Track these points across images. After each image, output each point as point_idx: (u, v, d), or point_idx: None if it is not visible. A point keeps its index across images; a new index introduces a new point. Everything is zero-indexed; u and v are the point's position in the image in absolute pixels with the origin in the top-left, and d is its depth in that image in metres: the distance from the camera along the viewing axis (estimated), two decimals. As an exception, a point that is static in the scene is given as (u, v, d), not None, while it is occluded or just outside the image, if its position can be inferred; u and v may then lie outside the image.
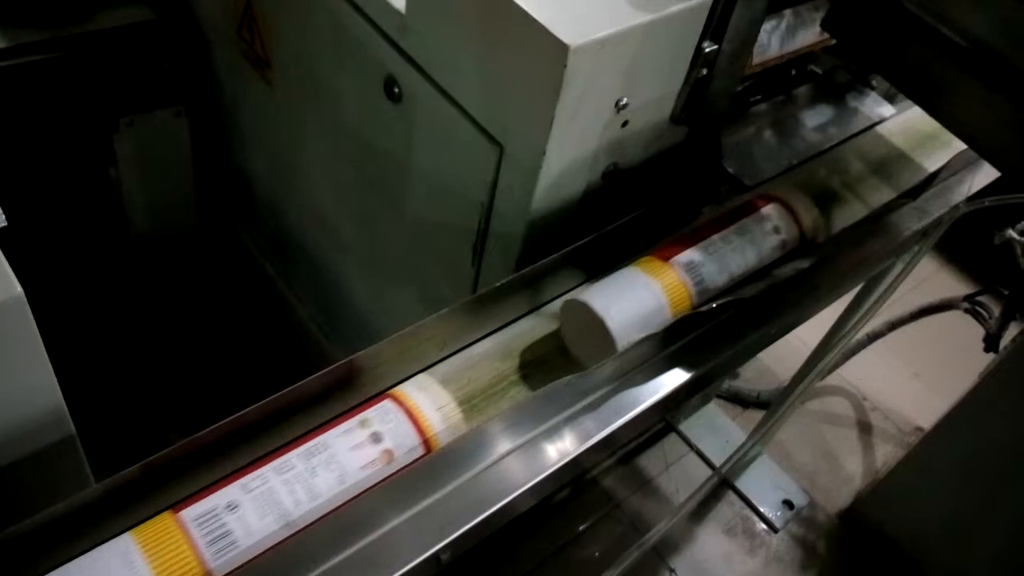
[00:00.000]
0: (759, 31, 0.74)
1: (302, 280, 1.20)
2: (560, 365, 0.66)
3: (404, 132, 0.80)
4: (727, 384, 1.56)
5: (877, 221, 0.83)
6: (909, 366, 1.65)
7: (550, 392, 0.60)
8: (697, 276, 0.65)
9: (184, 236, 1.31)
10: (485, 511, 0.58)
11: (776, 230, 0.70)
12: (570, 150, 0.67)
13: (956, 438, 1.29)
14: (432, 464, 0.55)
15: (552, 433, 0.62)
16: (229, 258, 1.34)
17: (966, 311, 1.39)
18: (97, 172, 1.20)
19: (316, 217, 1.08)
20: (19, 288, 0.46)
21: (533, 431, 0.61)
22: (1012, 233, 1.14)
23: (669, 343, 0.67)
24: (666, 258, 0.64)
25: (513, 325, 0.68)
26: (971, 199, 0.93)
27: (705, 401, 1.53)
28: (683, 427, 1.48)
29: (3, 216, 0.52)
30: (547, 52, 0.60)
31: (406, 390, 0.58)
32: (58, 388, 0.52)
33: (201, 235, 1.32)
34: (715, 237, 0.67)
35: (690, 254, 0.65)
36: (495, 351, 0.66)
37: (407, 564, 0.53)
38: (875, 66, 0.79)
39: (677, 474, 1.43)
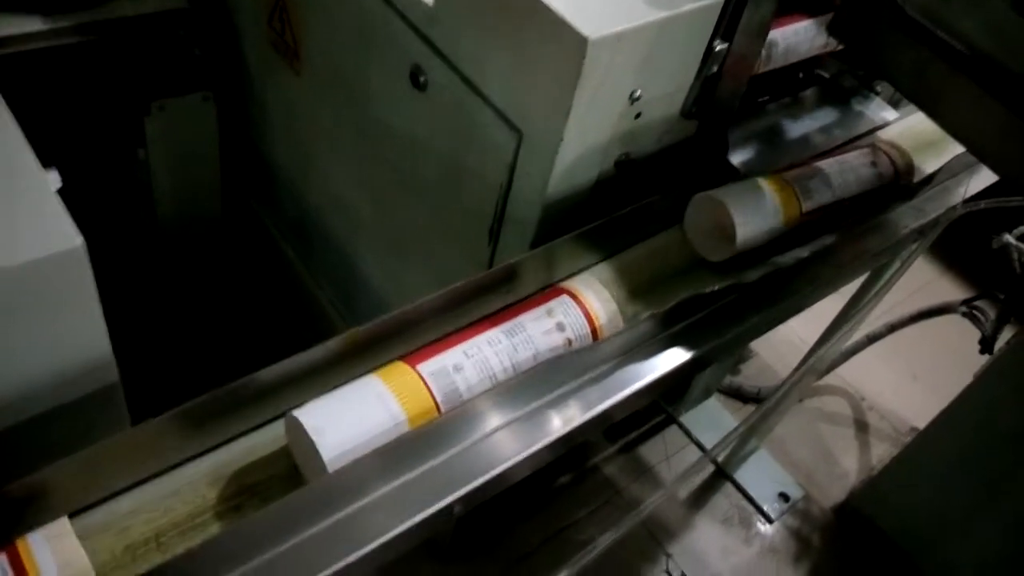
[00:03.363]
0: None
1: (321, 263, 1.25)
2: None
3: (428, 119, 0.84)
4: (728, 379, 1.59)
5: (876, 218, 0.87)
6: (908, 368, 1.69)
7: (556, 364, 0.64)
8: (449, 383, 0.59)
9: (208, 218, 1.35)
10: (492, 471, 0.61)
11: (560, 327, 0.65)
12: (586, 138, 0.71)
13: (949, 437, 1.32)
14: (441, 428, 0.59)
15: (558, 402, 0.65)
16: (250, 241, 1.38)
17: (964, 315, 1.43)
18: (127, 153, 1.24)
19: (337, 201, 1.12)
20: (80, 238, 0.50)
21: (541, 400, 0.64)
22: (1009, 238, 1.19)
23: (672, 324, 0.71)
24: (414, 363, 0.59)
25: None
26: (968, 201, 0.97)
27: (707, 395, 1.57)
28: (684, 419, 1.52)
29: (58, 177, 0.57)
30: (567, 44, 0.64)
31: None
32: (107, 336, 0.56)
33: (224, 218, 1.36)
34: (481, 337, 0.62)
35: (443, 358, 0.60)
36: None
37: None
38: (877, 69, 0.83)
39: (677, 464, 1.47)
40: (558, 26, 0.64)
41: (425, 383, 0.57)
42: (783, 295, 0.77)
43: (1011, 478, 1.24)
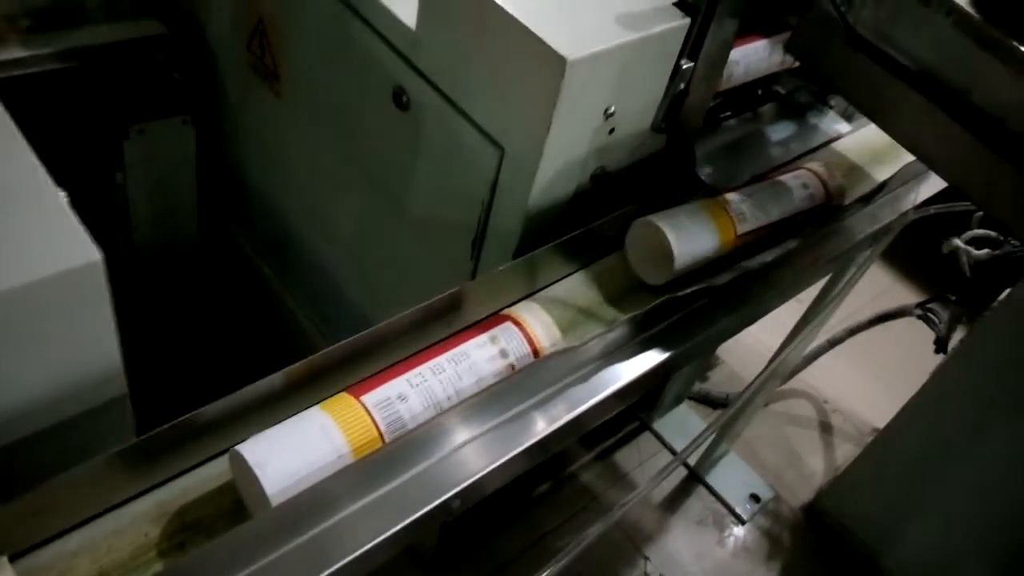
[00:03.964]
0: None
1: (299, 281, 1.27)
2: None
3: (411, 138, 0.87)
4: (698, 386, 1.64)
5: (832, 225, 0.92)
6: (868, 372, 1.76)
7: (542, 366, 0.67)
8: (393, 412, 0.60)
9: (184, 240, 1.37)
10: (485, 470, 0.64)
11: (503, 354, 0.67)
12: (564, 152, 0.76)
13: (907, 436, 1.38)
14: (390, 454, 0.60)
15: (543, 404, 0.68)
16: (227, 261, 1.40)
17: (919, 317, 1.50)
18: (105, 177, 1.26)
19: (317, 220, 1.15)
20: (99, 254, 0.53)
21: (525, 403, 0.67)
22: (958, 242, 1.25)
23: (647, 328, 0.75)
24: (358, 394, 0.59)
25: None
26: (919, 207, 1.03)
27: (678, 402, 1.61)
28: (656, 426, 1.57)
29: (66, 196, 0.59)
30: (547, 65, 0.68)
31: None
32: (119, 348, 0.59)
33: (200, 239, 1.38)
34: (424, 367, 0.63)
35: (387, 388, 0.61)
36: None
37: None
38: (832, 84, 0.88)
39: (651, 469, 1.51)
40: (538, 47, 0.68)
41: (369, 414, 0.58)
42: (750, 297, 0.82)
43: (967, 473, 1.30)
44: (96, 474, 0.52)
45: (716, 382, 1.67)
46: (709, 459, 1.53)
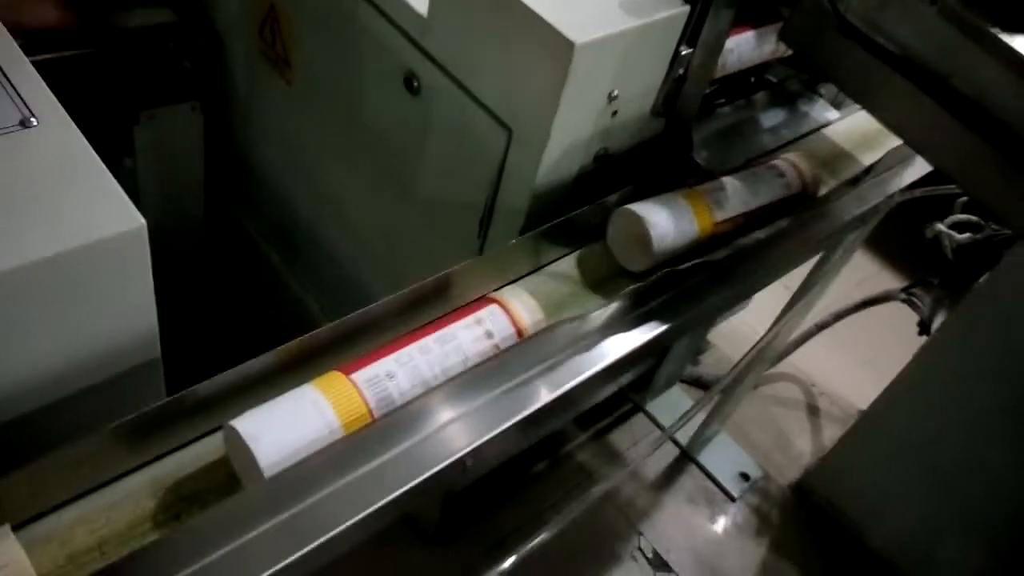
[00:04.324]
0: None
1: (307, 266, 1.30)
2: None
3: (421, 121, 0.91)
4: (689, 369, 1.69)
5: (821, 206, 0.97)
6: (855, 355, 1.81)
7: (544, 338, 0.71)
8: (382, 389, 0.62)
9: (191, 224, 1.40)
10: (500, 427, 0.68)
11: (488, 335, 0.70)
12: (569, 133, 0.80)
13: (890, 416, 1.43)
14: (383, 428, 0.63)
15: (547, 372, 0.71)
16: (233, 246, 1.43)
17: (903, 301, 1.55)
18: (114, 162, 1.28)
19: (325, 205, 1.19)
20: (142, 220, 0.56)
21: (530, 371, 0.70)
22: (940, 226, 1.30)
23: (645, 302, 0.79)
24: (348, 372, 0.61)
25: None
26: (904, 190, 1.08)
27: (670, 384, 1.66)
28: (650, 407, 1.61)
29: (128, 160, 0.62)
30: (555, 49, 0.72)
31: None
32: (155, 312, 0.62)
33: (207, 224, 1.41)
34: (411, 347, 0.65)
35: (377, 366, 0.63)
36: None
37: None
38: (824, 71, 0.92)
39: (644, 449, 1.56)
40: (547, 32, 0.72)
41: (359, 390, 0.60)
42: (743, 273, 0.86)
43: (950, 452, 1.35)
44: (94, 448, 0.54)
45: (708, 365, 1.72)
46: (700, 439, 1.57)
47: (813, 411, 1.73)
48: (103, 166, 0.59)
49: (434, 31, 0.84)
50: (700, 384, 1.69)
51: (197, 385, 0.57)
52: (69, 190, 0.57)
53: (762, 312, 1.43)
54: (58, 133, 0.60)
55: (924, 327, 1.47)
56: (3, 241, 0.53)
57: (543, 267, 0.81)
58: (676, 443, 1.60)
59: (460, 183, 0.90)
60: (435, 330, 0.67)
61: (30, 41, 1.08)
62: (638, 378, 1.58)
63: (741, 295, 0.89)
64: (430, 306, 0.72)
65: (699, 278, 0.83)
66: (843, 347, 1.77)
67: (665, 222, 0.78)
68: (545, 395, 0.69)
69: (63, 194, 0.57)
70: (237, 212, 1.40)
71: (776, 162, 0.91)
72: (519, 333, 0.70)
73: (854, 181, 0.99)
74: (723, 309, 0.90)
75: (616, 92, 0.80)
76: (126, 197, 0.57)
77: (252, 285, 1.45)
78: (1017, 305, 1.23)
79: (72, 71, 1.15)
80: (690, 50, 0.83)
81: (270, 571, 0.51)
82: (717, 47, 0.87)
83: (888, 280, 2.00)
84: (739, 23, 0.98)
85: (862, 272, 1.97)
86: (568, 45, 0.71)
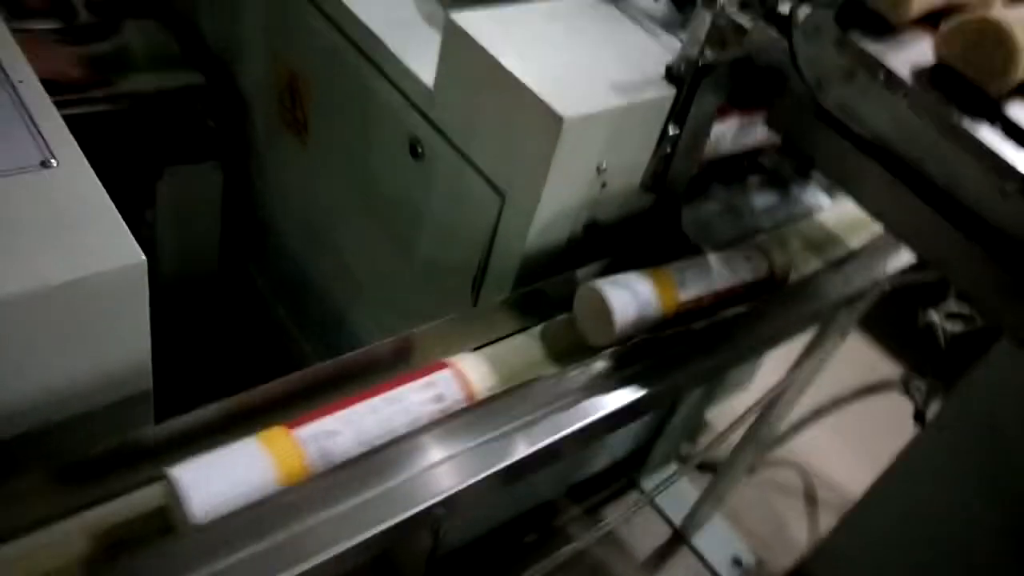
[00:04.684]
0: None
1: (311, 321, 1.35)
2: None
3: (423, 185, 0.96)
4: (687, 450, 1.69)
5: (805, 286, 0.99)
6: (854, 443, 1.80)
7: (524, 392, 0.73)
8: (323, 447, 0.63)
9: (205, 277, 1.45)
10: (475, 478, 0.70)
11: (439, 398, 0.70)
12: (559, 201, 0.84)
13: (883, 505, 1.42)
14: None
15: (528, 426, 0.74)
16: (244, 299, 1.48)
17: (901, 391, 1.56)
18: (136, 213, 1.35)
19: (332, 264, 1.23)
20: (143, 256, 0.60)
21: (509, 424, 0.72)
22: (934, 316, 1.32)
23: (623, 367, 0.81)
24: (292, 428, 0.63)
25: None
26: (895, 276, 1.11)
27: (666, 461, 1.66)
28: (645, 484, 1.61)
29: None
30: (546, 121, 0.77)
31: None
32: (149, 345, 0.66)
33: (221, 276, 1.46)
34: (359, 406, 0.66)
35: (322, 424, 0.64)
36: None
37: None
38: (807, 156, 0.96)
39: (637, 527, 1.55)
40: (539, 106, 0.77)
41: (300, 446, 0.61)
42: (726, 344, 0.88)
43: (937, 541, 1.34)
44: (31, 486, 0.56)
45: (705, 444, 1.72)
46: (694, 521, 1.57)
47: (811, 499, 1.72)
48: (113, 206, 0.64)
49: (439, 102, 0.90)
50: (698, 464, 1.69)
51: (140, 430, 0.59)
52: (80, 226, 0.61)
53: (760, 394, 1.44)
54: (74, 175, 0.65)
55: (919, 417, 1.47)
56: (16, 268, 0.57)
57: (509, 336, 0.82)
58: (670, 523, 1.59)
59: (456, 244, 0.95)
60: (385, 391, 0.67)
61: (58, 91, 1.16)
62: (633, 454, 1.58)
63: (721, 366, 0.91)
64: (387, 367, 0.72)
65: (680, 347, 0.86)
66: (842, 435, 1.77)
67: (628, 300, 0.79)
68: (525, 448, 0.71)
69: (74, 230, 0.61)
70: (250, 267, 1.45)
71: (746, 246, 0.93)
72: (470, 398, 0.71)
73: (839, 263, 1.02)
74: (703, 379, 0.91)
75: (604, 165, 0.84)
76: (131, 235, 0.61)
77: (260, 338, 1.49)
78: (1001, 398, 1.24)
79: (104, 125, 1.22)
80: (677, 130, 0.88)
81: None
82: (704, 128, 0.92)
83: (889, 367, 2.00)
84: (735, 107, 1.04)
85: (862, 360, 1.98)
86: (557, 119, 0.76)
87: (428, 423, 0.68)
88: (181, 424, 0.61)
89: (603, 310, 0.79)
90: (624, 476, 1.62)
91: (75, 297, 0.59)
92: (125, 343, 0.64)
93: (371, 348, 0.72)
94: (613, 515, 1.56)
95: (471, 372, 0.72)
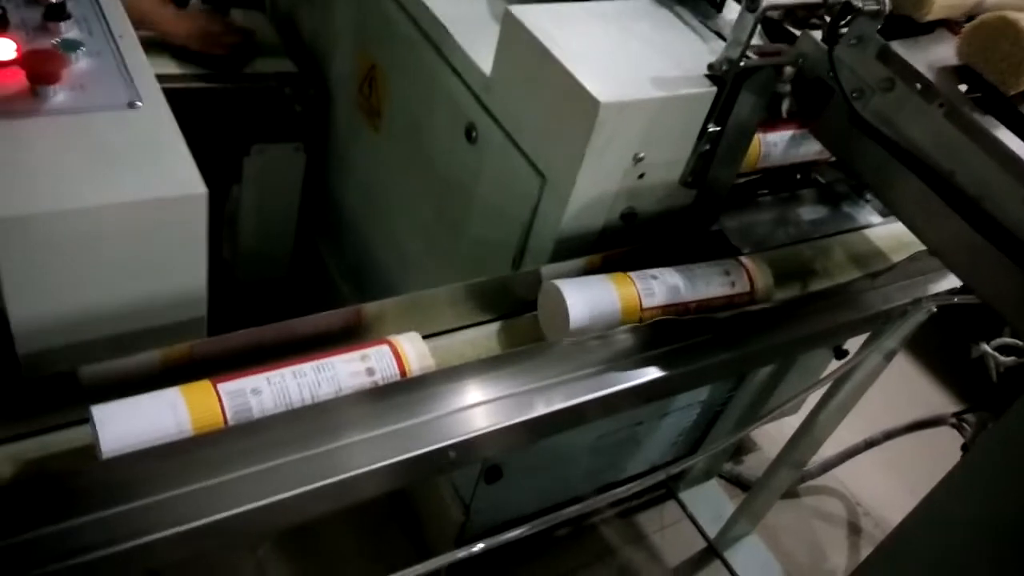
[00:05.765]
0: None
1: (370, 298, 1.42)
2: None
3: (475, 167, 1.03)
4: (730, 466, 1.69)
5: (836, 295, 1.00)
6: (905, 478, 1.76)
7: (544, 353, 0.77)
8: (243, 403, 0.64)
9: (281, 252, 1.55)
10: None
11: (370, 371, 0.71)
12: (594, 185, 0.89)
13: (919, 535, 1.39)
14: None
15: (546, 390, 0.78)
16: (313, 277, 1.58)
17: (952, 426, 1.53)
18: (223, 187, 1.46)
19: (392, 241, 1.31)
20: (205, 188, 0.69)
21: (534, 384, 0.78)
22: (986, 348, 1.30)
23: (652, 347, 0.85)
24: (217, 383, 0.65)
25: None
26: (937, 295, 1.10)
27: (707, 477, 1.67)
28: (683, 496, 1.62)
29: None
30: (584, 105, 0.82)
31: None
32: (206, 273, 0.74)
33: (295, 253, 1.56)
34: (286, 369, 0.67)
35: (245, 381, 0.66)
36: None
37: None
38: (849, 165, 0.98)
39: (670, 536, 1.56)
40: (579, 90, 0.82)
41: (220, 400, 0.63)
42: (747, 340, 0.90)
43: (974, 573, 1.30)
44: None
45: (749, 465, 1.72)
46: (728, 535, 1.57)
47: (854, 529, 1.69)
48: (184, 145, 0.72)
49: (494, 89, 0.96)
50: (739, 483, 1.69)
51: (81, 368, 0.63)
52: (154, 158, 0.70)
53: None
54: (155, 116, 0.74)
55: (967, 449, 1.44)
56: (97, 185, 0.66)
57: (474, 325, 0.84)
58: (704, 536, 1.59)
59: (501, 224, 1.00)
60: (317, 359, 0.69)
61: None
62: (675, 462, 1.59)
63: (745, 362, 0.93)
64: (338, 337, 0.74)
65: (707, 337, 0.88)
66: (893, 468, 1.74)
67: (584, 303, 0.80)
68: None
69: (149, 160, 0.70)
70: (320, 246, 1.55)
71: (728, 261, 0.93)
72: (402, 374, 0.71)
73: (875, 275, 1.03)
74: (731, 371, 0.93)
75: (642, 155, 0.89)
76: (196, 169, 0.70)
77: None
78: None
79: (201, 101, 1.33)
80: (717, 128, 0.92)
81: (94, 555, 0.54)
82: (746, 129, 0.95)
83: (942, 399, 1.96)
84: (789, 119, 1.06)
85: (915, 389, 1.95)
86: (595, 103, 0.81)
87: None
88: (113, 368, 0.64)
89: (561, 310, 0.80)
90: (664, 486, 1.64)
91: (143, 216, 0.67)
92: (184, 266, 0.72)
93: (322, 316, 0.73)
94: (646, 521, 1.58)
95: (409, 351, 0.72)
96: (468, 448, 0.70)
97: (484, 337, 0.86)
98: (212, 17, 1.35)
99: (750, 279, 0.92)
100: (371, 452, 0.65)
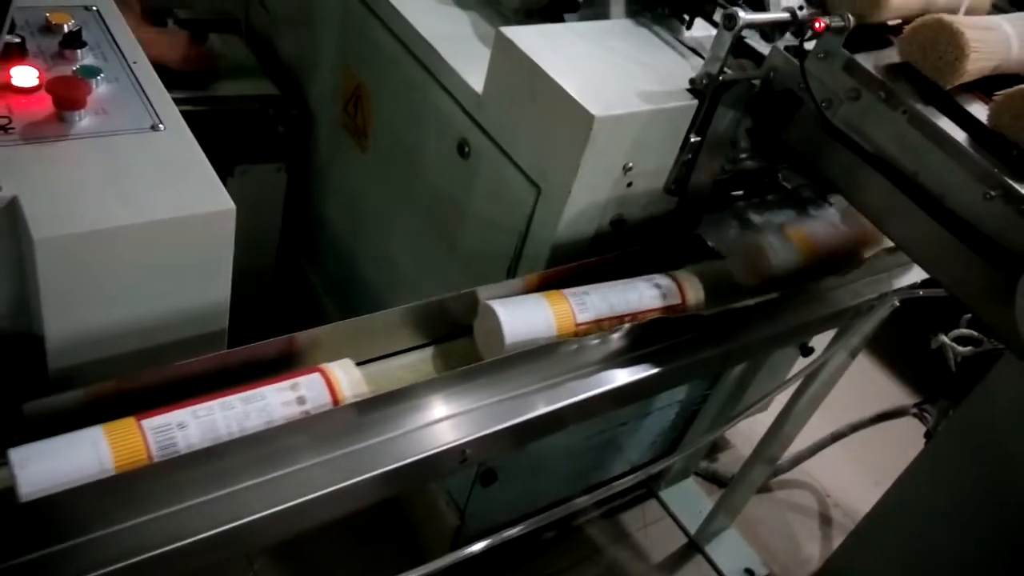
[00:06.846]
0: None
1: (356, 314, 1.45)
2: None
3: (468, 181, 1.07)
4: (706, 464, 1.76)
5: (809, 292, 1.07)
6: (870, 469, 1.85)
7: (525, 358, 0.80)
8: (169, 438, 0.63)
9: (263, 270, 1.57)
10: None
11: (301, 400, 0.69)
12: (588, 194, 0.94)
13: (889, 522, 1.47)
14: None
15: (533, 394, 0.81)
16: (297, 294, 1.60)
17: (914, 415, 1.62)
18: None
19: (378, 258, 1.35)
20: (232, 204, 0.72)
21: (522, 389, 0.80)
22: (944, 339, 1.39)
23: (637, 347, 0.90)
24: (141, 419, 0.63)
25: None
26: (901, 290, 1.18)
27: (685, 475, 1.73)
28: (663, 494, 1.68)
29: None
30: (579, 119, 0.88)
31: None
32: (229, 286, 0.77)
33: (277, 271, 1.58)
34: (214, 402, 0.66)
35: (171, 416, 0.64)
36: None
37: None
38: (819, 170, 1.05)
39: (653, 533, 1.62)
40: (574, 106, 0.88)
41: (144, 436, 0.61)
42: (732, 336, 0.96)
43: (942, 558, 1.38)
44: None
45: (724, 462, 1.78)
46: (708, 530, 1.63)
47: (825, 520, 1.76)
48: (209, 165, 0.75)
49: (486, 106, 1.01)
50: (715, 480, 1.75)
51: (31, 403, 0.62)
52: (181, 177, 0.73)
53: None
54: (178, 137, 0.77)
55: (930, 437, 1.52)
56: (128, 204, 0.69)
57: (409, 350, 0.84)
58: (685, 532, 1.65)
59: (495, 235, 1.05)
60: (247, 389, 0.68)
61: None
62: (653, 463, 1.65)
63: (728, 356, 0.98)
64: (272, 367, 0.73)
65: (691, 334, 0.94)
66: (858, 459, 1.82)
67: (519, 320, 0.81)
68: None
69: (176, 179, 0.73)
70: (304, 265, 1.57)
71: (659, 275, 0.95)
72: (335, 402, 0.70)
73: (842, 273, 1.10)
74: (716, 366, 0.99)
75: (631, 165, 0.95)
76: (223, 188, 0.73)
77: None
78: (1002, 413, 1.29)
79: (187, 122, 1.35)
80: (698, 139, 0.98)
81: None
82: (725, 139, 1.02)
83: (902, 392, 2.07)
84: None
85: (878, 386, 2.04)
86: (589, 117, 0.87)
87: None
88: (37, 407, 0.63)
89: (495, 327, 0.81)
90: (644, 486, 1.69)
91: (173, 233, 0.70)
92: (211, 280, 0.75)
93: (255, 346, 0.72)
94: (629, 520, 1.63)
95: (341, 378, 0.71)
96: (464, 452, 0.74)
97: (420, 361, 0.85)
98: (183, 37, 1.37)
99: (681, 292, 0.94)
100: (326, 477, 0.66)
